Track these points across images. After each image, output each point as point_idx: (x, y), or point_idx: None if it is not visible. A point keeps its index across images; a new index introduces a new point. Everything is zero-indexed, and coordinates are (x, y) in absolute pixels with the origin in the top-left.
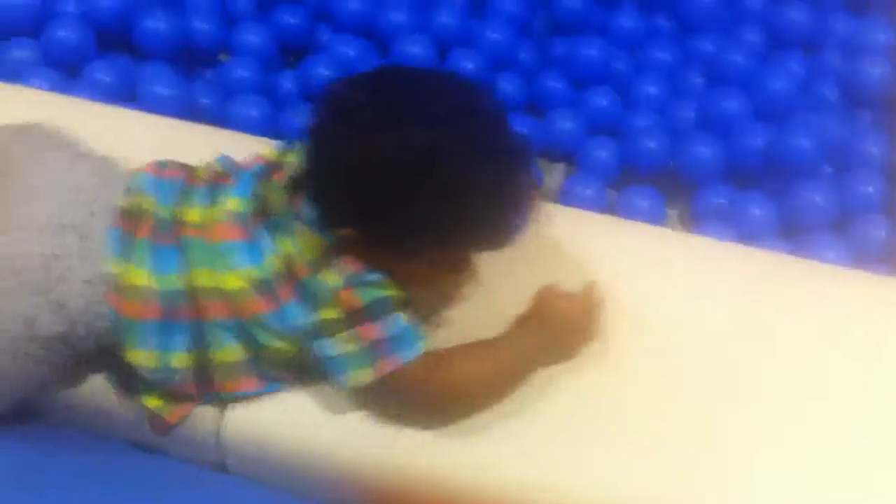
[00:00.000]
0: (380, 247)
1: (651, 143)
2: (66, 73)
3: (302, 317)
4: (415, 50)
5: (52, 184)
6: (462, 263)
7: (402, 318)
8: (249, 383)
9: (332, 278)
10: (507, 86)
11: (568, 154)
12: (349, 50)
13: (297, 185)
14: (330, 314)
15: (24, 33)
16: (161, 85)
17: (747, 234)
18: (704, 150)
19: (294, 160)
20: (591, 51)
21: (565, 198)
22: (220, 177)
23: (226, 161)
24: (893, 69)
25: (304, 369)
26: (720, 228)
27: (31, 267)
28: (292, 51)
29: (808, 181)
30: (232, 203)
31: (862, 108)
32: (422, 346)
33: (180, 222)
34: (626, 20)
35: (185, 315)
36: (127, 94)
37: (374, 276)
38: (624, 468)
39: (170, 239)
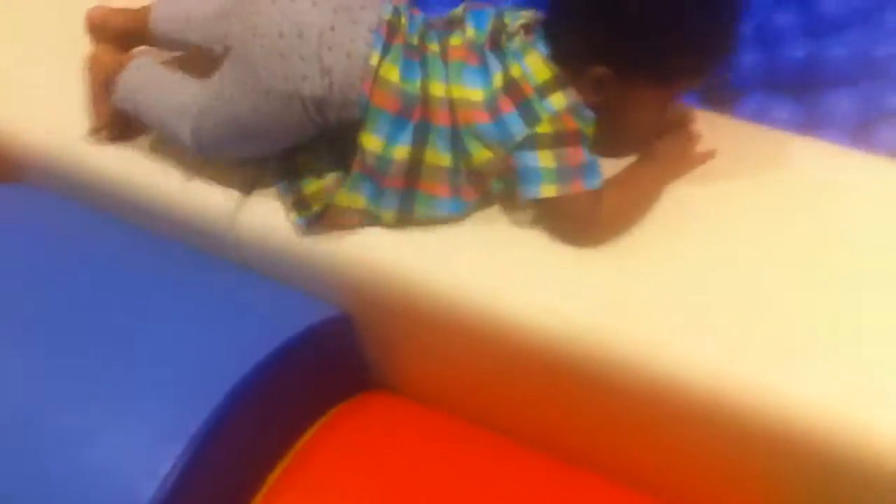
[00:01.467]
0: (612, 83)
1: None
2: None
3: (518, 128)
4: None
5: None
6: (665, 107)
7: (589, 152)
8: (444, 190)
9: (559, 101)
10: None
11: None
12: None
13: (534, 22)
14: (546, 129)
15: None
16: None
17: None
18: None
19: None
20: None
21: None
22: (454, 18)
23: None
24: None
25: (490, 188)
26: None
27: (311, 34)
28: None
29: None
30: (469, 32)
31: None
32: (601, 181)
33: (423, 43)
34: None
35: (416, 116)
36: None
37: (589, 113)
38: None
39: (415, 56)
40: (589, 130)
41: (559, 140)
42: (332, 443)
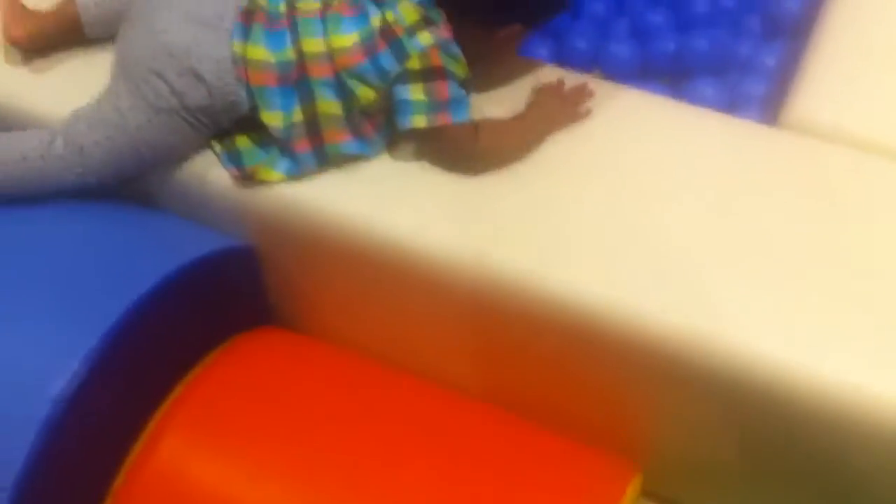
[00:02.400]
0: (470, 22)
1: (581, 44)
2: None
3: (390, 64)
4: None
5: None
6: (516, 41)
7: (461, 90)
8: (345, 135)
9: (426, 38)
10: None
11: None
12: None
13: None
14: (414, 65)
15: None
16: None
17: None
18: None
19: None
20: None
21: None
22: None
23: None
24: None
25: (381, 123)
26: None
27: (179, 51)
28: None
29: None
30: None
31: (776, 36)
32: (469, 115)
33: (293, 8)
34: None
35: (295, 77)
36: None
37: (455, 49)
38: None
39: (282, 24)
40: (460, 69)
41: (428, 75)
42: (220, 373)
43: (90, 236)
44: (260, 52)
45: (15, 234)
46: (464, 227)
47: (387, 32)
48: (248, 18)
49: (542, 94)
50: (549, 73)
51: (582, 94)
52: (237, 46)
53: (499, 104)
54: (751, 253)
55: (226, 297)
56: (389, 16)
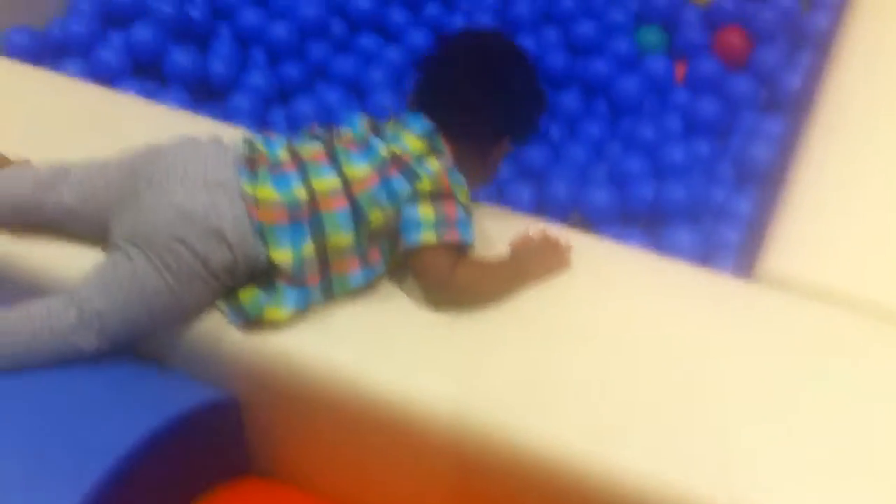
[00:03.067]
0: (470, 145)
1: (561, 188)
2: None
3: (402, 187)
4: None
5: (196, 160)
6: (503, 156)
7: (466, 213)
8: (354, 264)
9: (434, 164)
10: None
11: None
12: (333, 95)
13: (396, 116)
14: (424, 187)
15: (77, 54)
16: (173, 102)
17: None
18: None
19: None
20: None
21: None
22: (327, 128)
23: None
24: (778, 154)
25: (391, 245)
26: None
27: (198, 215)
28: (286, 94)
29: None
30: (345, 132)
31: (748, 182)
32: (473, 237)
33: (296, 155)
34: (568, 100)
35: (306, 214)
36: None
37: (459, 177)
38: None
39: (287, 168)
40: (463, 196)
41: (437, 196)
42: None
43: (71, 388)
44: (269, 192)
45: None
46: (446, 380)
47: (397, 160)
48: (252, 164)
49: (523, 244)
50: (530, 224)
51: (561, 247)
52: (247, 187)
53: (480, 250)
54: (729, 408)
55: (208, 448)
56: (396, 148)
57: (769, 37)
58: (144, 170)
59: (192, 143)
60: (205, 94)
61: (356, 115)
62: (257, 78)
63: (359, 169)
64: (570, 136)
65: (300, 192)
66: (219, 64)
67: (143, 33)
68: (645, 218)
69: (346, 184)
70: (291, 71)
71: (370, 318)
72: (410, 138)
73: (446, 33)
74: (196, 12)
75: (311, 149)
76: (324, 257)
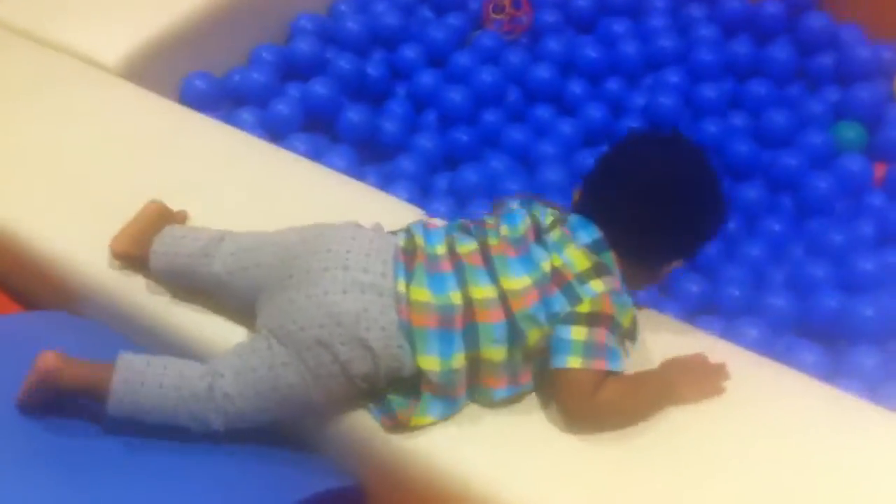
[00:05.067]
0: (642, 263)
1: (734, 291)
2: (273, 137)
3: (560, 306)
4: None
5: (355, 253)
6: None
7: (618, 344)
8: (502, 381)
9: (598, 286)
10: None
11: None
12: (499, 165)
13: (561, 217)
14: (585, 308)
15: (255, 104)
16: (340, 159)
17: None
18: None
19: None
20: None
21: None
22: (482, 223)
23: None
24: None
25: (543, 364)
26: None
27: (348, 320)
28: (453, 160)
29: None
30: (504, 230)
31: None
32: (624, 367)
33: (454, 252)
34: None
35: (459, 323)
36: None
37: (626, 299)
38: None
39: (444, 267)
40: (626, 319)
41: (595, 320)
42: None
43: (200, 462)
44: (423, 293)
45: (127, 461)
46: (581, 501)
47: (558, 277)
48: (409, 259)
49: (679, 362)
50: (688, 332)
51: (719, 371)
52: (401, 286)
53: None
54: None
55: None
56: (557, 260)
57: None
58: (301, 259)
59: (352, 231)
60: (373, 154)
61: (519, 211)
62: (426, 141)
63: (517, 281)
64: (749, 232)
65: (455, 297)
66: (391, 124)
67: (319, 88)
68: (825, 333)
69: (503, 297)
70: (462, 136)
71: (512, 428)
72: (576, 253)
73: (624, 138)
74: (374, 70)
75: (468, 247)
76: (475, 370)
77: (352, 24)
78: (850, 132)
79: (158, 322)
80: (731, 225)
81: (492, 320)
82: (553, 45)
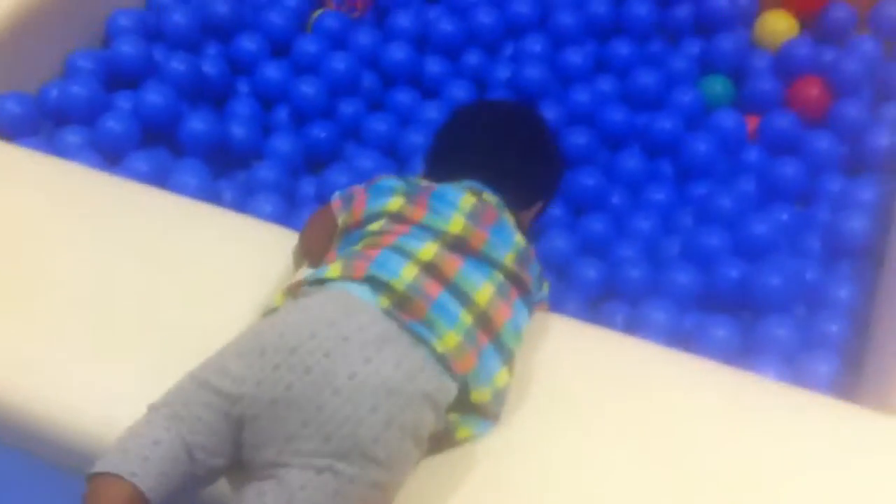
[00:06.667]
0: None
1: (634, 272)
2: (108, 159)
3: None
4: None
5: (339, 327)
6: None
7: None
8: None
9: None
10: None
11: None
12: (368, 162)
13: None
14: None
15: (81, 122)
16: (190, 176)
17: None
18: (682, 278)
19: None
20: (589, 181)
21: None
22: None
23: None
24: (873, 224)
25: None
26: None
27: (397, 382)
28: (318, 162)
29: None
30: (447, 212)
31: (841, 258)
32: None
33: (436, 270)
34: (630, 161)
35: (486, 340)
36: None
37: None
38: None
39: (437, 292)
40: None
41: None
42: None
43: None
44: (451, 338)
45: None
46: None
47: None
48: (411, 311)
49: None
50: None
51: None
52: (439, 348)
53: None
54: None
55: None
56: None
57: (850, 88)
58: (286, 368)
59: (314, 314)
60: (226, 165)
61: (440, 194)
62: (281, 142)
63: (503, 255)
64: (634, 205)
65: (466, 318)
66: (239, 128)
67: (152, 96)
68: (732, 304)
69: (500, 285)
70: (320, 133)
71: None
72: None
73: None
74: (211, 68)
75: (429, 252)
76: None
77: (178, 17)
78: (718, 86)
79: None
80: (616, 199)
81: (505, 317)
82: (402, 20)
